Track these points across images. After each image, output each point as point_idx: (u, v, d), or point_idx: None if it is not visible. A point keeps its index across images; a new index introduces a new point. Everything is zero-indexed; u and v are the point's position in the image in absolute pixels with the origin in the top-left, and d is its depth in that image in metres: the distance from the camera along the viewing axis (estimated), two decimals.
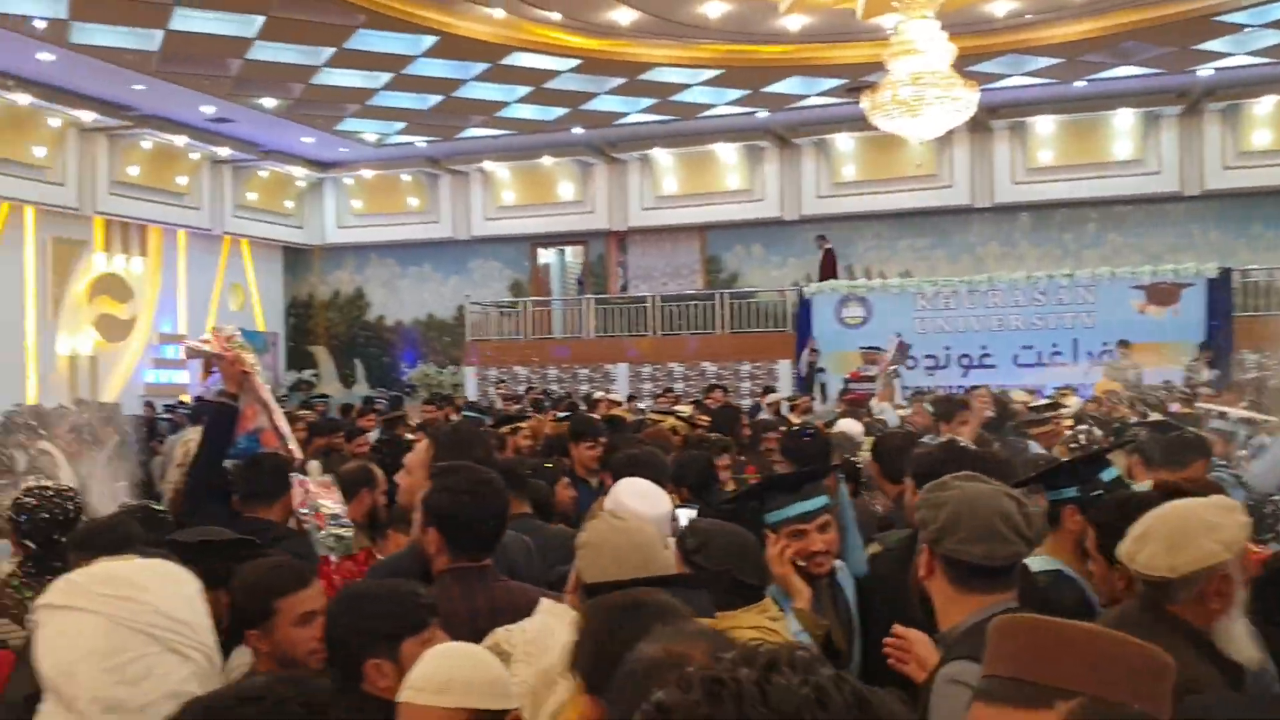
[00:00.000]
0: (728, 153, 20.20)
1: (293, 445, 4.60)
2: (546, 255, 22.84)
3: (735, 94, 17.44)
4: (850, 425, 7.79)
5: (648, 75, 16.31)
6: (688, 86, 16.96)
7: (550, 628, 2.40)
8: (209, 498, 4.05)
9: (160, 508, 3.78)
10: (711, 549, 2.64)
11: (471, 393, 19.03)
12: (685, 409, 10.48)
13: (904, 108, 12.95)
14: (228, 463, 4.24)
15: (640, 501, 3.30)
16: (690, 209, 20.64)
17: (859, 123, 15.54)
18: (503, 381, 19.01)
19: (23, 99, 15.96)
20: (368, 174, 22.31)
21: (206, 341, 4.45)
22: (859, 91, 14.22)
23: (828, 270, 18.56)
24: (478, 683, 1.90)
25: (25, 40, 13.85)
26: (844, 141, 19.51)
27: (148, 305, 20.22)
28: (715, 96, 17.56)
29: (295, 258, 23.91)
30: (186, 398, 18.67)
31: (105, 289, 19.26)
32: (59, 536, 3.59)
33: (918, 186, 19.27)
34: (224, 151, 19.97)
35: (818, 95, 17.49)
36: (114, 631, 1.62)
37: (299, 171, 22.00)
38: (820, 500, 3.08)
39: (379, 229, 22.79)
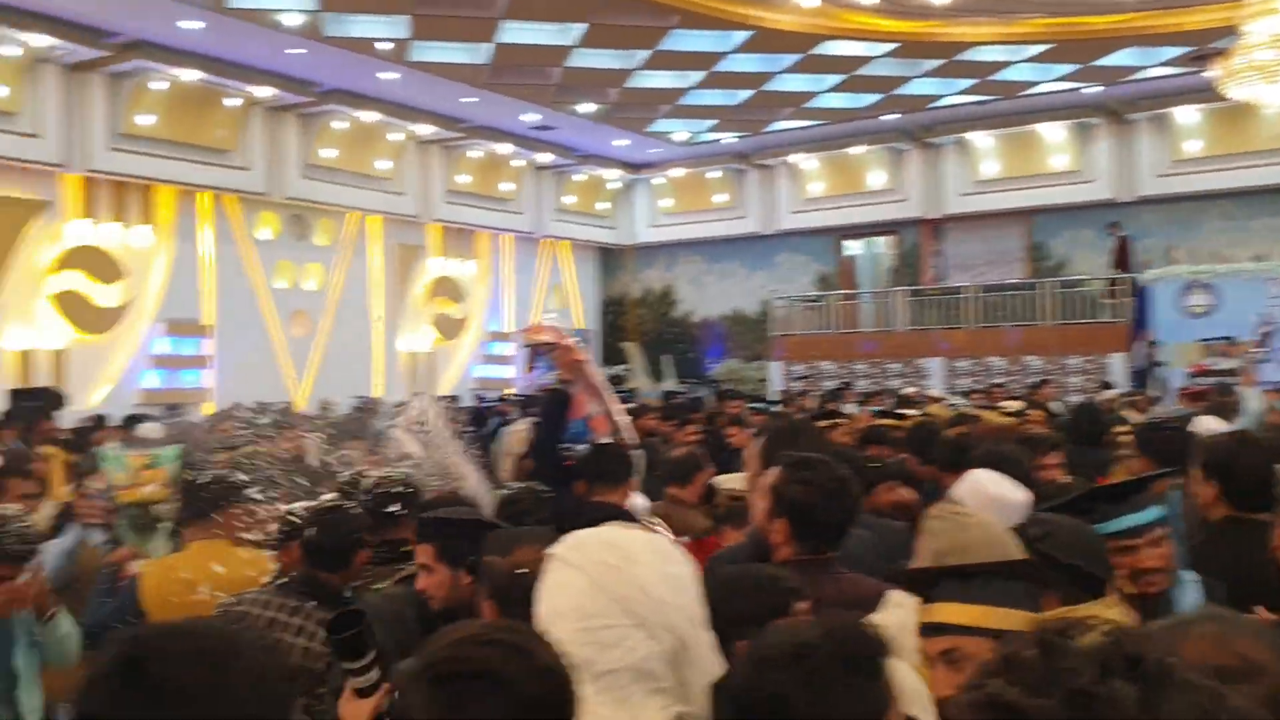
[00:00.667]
0: (1053, 132, 19.05)
1: (627, 432, 4.67)
2: (854, 246, 22.42)
3: (1062, 69, 16.41)
4: (1212, 423, 7.07)
5: (966, 55, 15.63)
6: (1010, 64, 16.12)
7: (906, 623, 2.30)
8: (554, 482, 4.16)
9: (545, 489, 3.90)
10: (1057, 539, 2.47)
11: (777, 387, 18.99)
12: (1012, 405, 9.93)
13: (1262, 73, 11.71)
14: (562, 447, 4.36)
15: (997, 488, 3.15)
16: (1012, 193, 19.62)
17: (1204, 93, 14.28)
18: (808, 376, 18.81)
19: (369, 116, 17.37)
20: (677, 173, 22.73)
21: (542, 331, 4.57)
22: (1206, 59, 13.02)
23: (1122, 260, 17.15)
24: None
25: (371, 61, 15.04)
26: (1186, 114, 17.92)
27: (478, 305, 21.53)
28: (1040, 73, 16.59)
29: (609, 257, 24.75)
30: (511, 391, 19.73)
31: (441, 291, 20.67)
32: (397, 509, 3.73)
33: (1273, 161, 17.40)
34: (544, 158, 20.95)
35: (1156, 66, 16.16)
36: (595, 595, 1.68)
37: (612, 174, 22.75)
38: (1153, 512, 2.75)
39: (688, 227, 23.17)
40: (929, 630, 1.99)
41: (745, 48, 15.11)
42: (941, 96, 17.98)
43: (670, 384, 22.00)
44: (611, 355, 24.17)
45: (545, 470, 4.33)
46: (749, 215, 22.44)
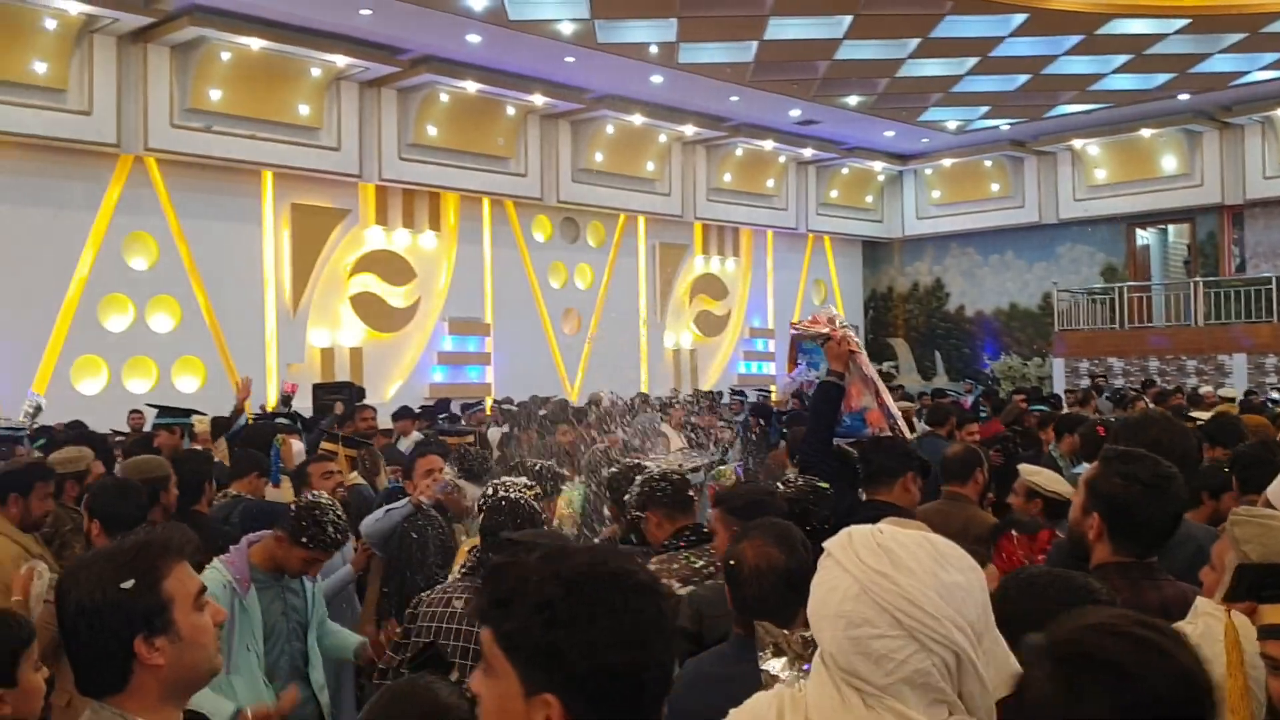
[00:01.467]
0: None
1: (902, 425, 4.52)
2: (1145, 236, 20.97)
3: None
4: None
5: (1274, 27, 14.28)
6: None
7: (1214, 631, 2.10)
8: (826, 477, 4.07)
9: (826, 485, 3.82)
10: None
11: (1059, 385, 18.03)
12: None
13: None
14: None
15: None
16: None
17: None
18: (1100, 377, 17.72)
19: (637, 119, 17.72)
20: (947, 163, 21.99)
21: (814, 322, 4.47)
22: None
23: None
24: None
25: (641, 65, 15.34)
26: None
27: (739, 302, 21.60)
28: None
29: (874, 251, 24.25)
30: (774, 388, 19.69)
31: (703, 288, 20.87)
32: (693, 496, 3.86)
33: None
34: (808, 152, 20.74)
35: None
36: (864, 602, 1.60)
37: (879, 166, 22.25)
38: None
39: (959, 218, 22.39)
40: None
41: (1023, 31, 14.40)
42: (1244, 73, 16.54)
43: (940, 381, 21.35)
44: (876, 351, 23.70)
45: (815, 465, 4.23)
46: (1026, 204, 21.41)
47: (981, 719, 1.62)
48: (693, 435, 10.62)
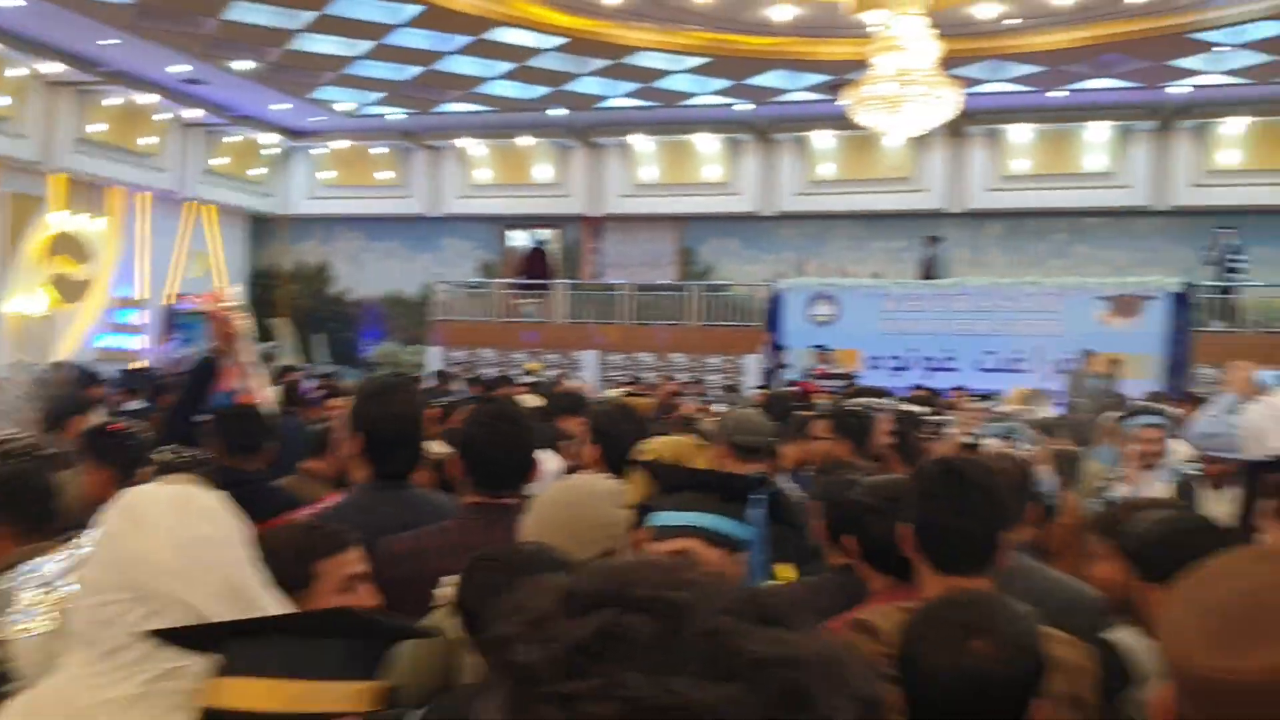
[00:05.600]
0: (708, 143, 20.12)
1: (268, 408, 4.79)
2: (518, 237, 22.66)
3: (718, 84, 17.36)
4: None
5: (631, 59, 16.20)
6: (670, 73, 16.86)
7: None
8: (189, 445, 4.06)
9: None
10: None
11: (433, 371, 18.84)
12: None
13: (886, 103, 12.98)
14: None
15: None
16: (668, 199, 20.53)
17: (838, 121, 15.61)
18: (466, 363, 18.82)
19: None
20: (340, 145, 22.02)
21: (199, 298, 4.63)
22: (840, 89, 14.20)
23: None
24: None
25: None
26: (822, 139, 19.50)
27: (106, 268, 19.79)
28: (698, 85, 17.47)
29: (261, 226, 23.53)
30: (143, 364, 18.33)
31: (62, 248, 18.80)
32: None
33: (892, 189, 19.32)
34: (194, 114, 19.60)
35: (800, 90, 17.46)
36: (98, 567, 1.56)
37: (269, 139, 21.65)
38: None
39: (348, 201, 22.49)
40: None
41: (417, 22, 14.85)
42: (607, 97, 18.49)
43: (326, 365, 21.28)
44: (260, 331, 23.00)
45: (184, 435, 4.23)
46: (414, 195, 22.10)
47: None
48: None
